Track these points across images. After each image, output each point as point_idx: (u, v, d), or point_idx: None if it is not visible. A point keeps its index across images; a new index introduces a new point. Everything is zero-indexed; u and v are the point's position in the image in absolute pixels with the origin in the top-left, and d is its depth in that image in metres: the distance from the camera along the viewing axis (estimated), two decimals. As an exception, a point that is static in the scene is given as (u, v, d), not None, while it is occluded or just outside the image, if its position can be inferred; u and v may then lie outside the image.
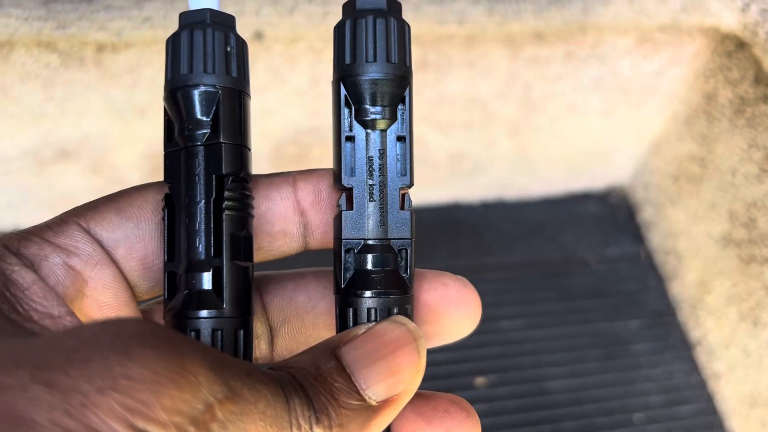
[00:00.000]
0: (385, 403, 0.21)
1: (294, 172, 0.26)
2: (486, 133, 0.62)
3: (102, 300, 0.23)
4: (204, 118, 0.23)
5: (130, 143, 0.55)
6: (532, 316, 0.65)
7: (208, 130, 0.23)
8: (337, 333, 0.24)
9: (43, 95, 0.49)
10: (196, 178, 0.23)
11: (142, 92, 0.50)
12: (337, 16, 0.45)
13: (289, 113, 0.55)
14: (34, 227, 0.23)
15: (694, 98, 0.61)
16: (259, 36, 0.46)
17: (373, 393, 0.21)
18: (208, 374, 0.17)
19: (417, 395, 0.24)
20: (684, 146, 0.63)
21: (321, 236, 0.26)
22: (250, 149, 0.24)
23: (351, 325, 0.24)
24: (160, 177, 0.30)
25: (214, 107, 0.23)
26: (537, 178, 0.70)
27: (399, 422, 0.24)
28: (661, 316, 0.67)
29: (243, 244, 0.23)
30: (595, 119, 0.63)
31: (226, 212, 0.23)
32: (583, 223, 0.72)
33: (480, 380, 0.61)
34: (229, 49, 0.23)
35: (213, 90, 0.23)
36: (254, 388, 0.18)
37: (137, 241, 0.23)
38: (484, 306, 0.73)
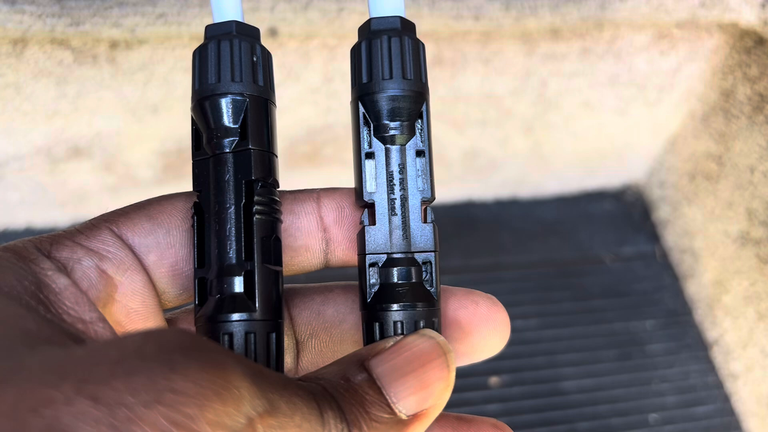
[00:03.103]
0: (414, 417, 0.21)
1: (318, 189, 0.26)
2: (501, 130, 0.62)
3: (130, 306, 0.23)
4: (232, 126, 0.23)
5: (142, 140, 0.54)
6: (547, 316, 0.65)
7: (237, 138, 0.23)
8: (365, 344, 0.24)
9: (56, 92, 0.49)
10: (226, 184, 0.23)
11: (154, 89, 0.50)
12: (351, 12, 0.45)
13: (303, 111, 0.55)
14: (64, 231, 0.22)
15: (711, 95, 0.60)
16: (273, 32, 0.45)
17: (404, 407, 0.21)
18: (249, 387, 0.16)
19: (458, 419, 0.24)
20: (701, 144, 0.63)
21: (343, 253, 0.25)
22: (276, 156, 0.24)
23: (378, 338, 0.23)
24: (173, 174, 0.30)
25: (242, 115, 0.23)
26: (552, 176, 0.70)
27: None
28: (677, 316, 0.66)
29: (273, 247, 0.23)
30: (611, 116, 0.63)
31: (257, 216, 0.23)
32: (599, 222, 0.71)
33: (494, 380, 0.60)
34: (255, 58, 0.24)
35: (240, 98, 0.23)
36: (290, 401, 0.18)
37: (168, 247, 0.23)
38: (499, 305, 0.71)
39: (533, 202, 0.71)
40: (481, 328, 0.25)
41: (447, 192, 0.69)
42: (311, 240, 0.25)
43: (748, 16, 0.51)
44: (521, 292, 0.66)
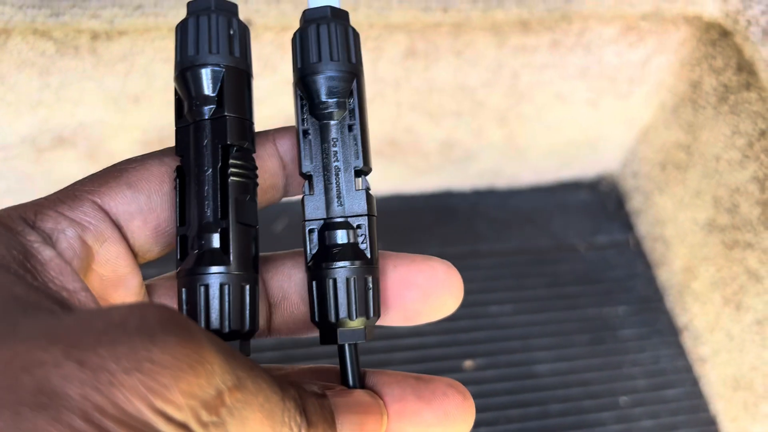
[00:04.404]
0: None
1: (271, 130, 0.28)
2: (475, 121, 0.63)
3: (103, 274, 0.25)
4: (211, 95, 0.25)
5: (125, 130, 0.56)
6: (522, 302, 0.66)
7: (215, 105, 0.25)
8: (310, 306, 0.26)
9: (39, 83, 0.50)
10: (204, 149, 0.25)
11: (135, 80, 0.51)
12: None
13: (280, 102, 0.56)
14: (46, 199, 0.24)
15: (680, 87, 0.62)
16: (248, 24, 0.47)
17: None
18: (221, 364, 0.18)
19: (416, 379, 0.26)
20: (671, 134, 0.64)
21: (298, 186, 0.28)
22: (253, 123, 0.26)
23: (316, 296, 0.26)
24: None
25: (219, 84, 0.25)
26: (527, 166, 0.71)
27: (400, 404, 0.25)
28: (648, 302, 0.68)
29: (247, 207, 0.25)
30: (583, 108, 0.64)
31: (231, 178, 0.24)
32: (574, 211, 0.73)
33: (469, 363, 0.62)
34: (231, 32, 0.26)
35: (218, 68, 0.25)
36: (256, 381, 0.20)
37: (150, 212, 0.25)
38: (475, 291, 0.73)
39: (510, 192, 0.73)
40: (438, 291, 0.27)
41: (425, 182, 0.71)
42: (276, 179, 0.27)
43: (711, 9, 0.53)
44: (497, 279, 0.68)
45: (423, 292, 0.27)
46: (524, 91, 0.61)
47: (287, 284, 0.28)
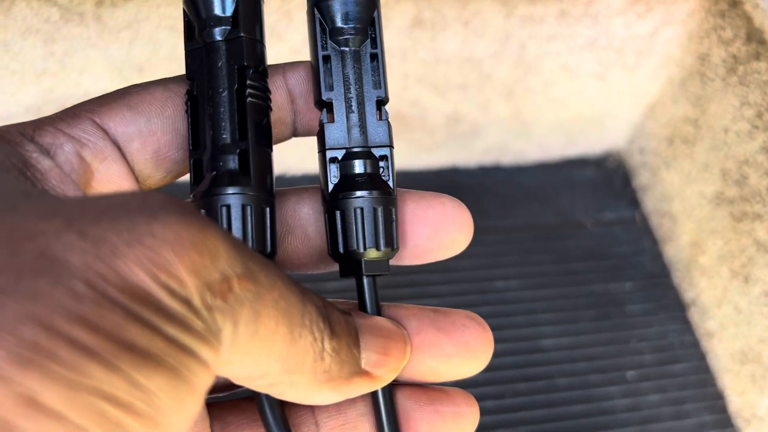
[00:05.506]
0: (366, 375, 0.22)
1: (283, 64, 0.27)
2: (482, 94, 0.63)
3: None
4: (224, 15, 0.24)
5: (130, 101, 0.56)
6: (528, 277, 0.66)
7: (229, 27, 0.24)
8: (327, 237, 0.26)
9: (44, 51, 0.50)
10: (219, 70, 0.24)
11: (140, 48, 0.51)
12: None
13: (286, 72, 0.56)
14: (45, 117, 0.23)
15: (688, 60, 0.61)
16: (254, -11, 0.47)
17: (366, 356, 0.22)
18: (227, 249, 0.17)
19: (433, 311, 0.26)
20: (679, 108, 0.64)
21: (308, 123, 0.27)
22: (265, 48, 0.26)
23: (339, 225, 0.25)
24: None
25: (234, 5, 0.25)
26: (533, 142, 0.71)
27: (419, 336, 0.25)
28: (655, 278, 0.68)
29: (265, 130, 0.24)
30: (590, 81, 0.64)
31: (249, 100, 0.24)
32: (580, 188, 0.72)
33: (475, 337, 0.62)
34: None
35: None
36: (270, 276, 0.19)
37: (150, 135, 0.24)
38: (482, 267, 0.73)
39: (516, 168, 0.72)
40: (448, 226, 0.27)
41: (431, 158, 0.70)
42: (284, 113, 0.27)
43: (721, -23, 0.53)
44: (504, 255, 0.67)
45: (433, 228, 0.27)
46: (531, 63, 0.60)
47: (291, 219, 0.27)
